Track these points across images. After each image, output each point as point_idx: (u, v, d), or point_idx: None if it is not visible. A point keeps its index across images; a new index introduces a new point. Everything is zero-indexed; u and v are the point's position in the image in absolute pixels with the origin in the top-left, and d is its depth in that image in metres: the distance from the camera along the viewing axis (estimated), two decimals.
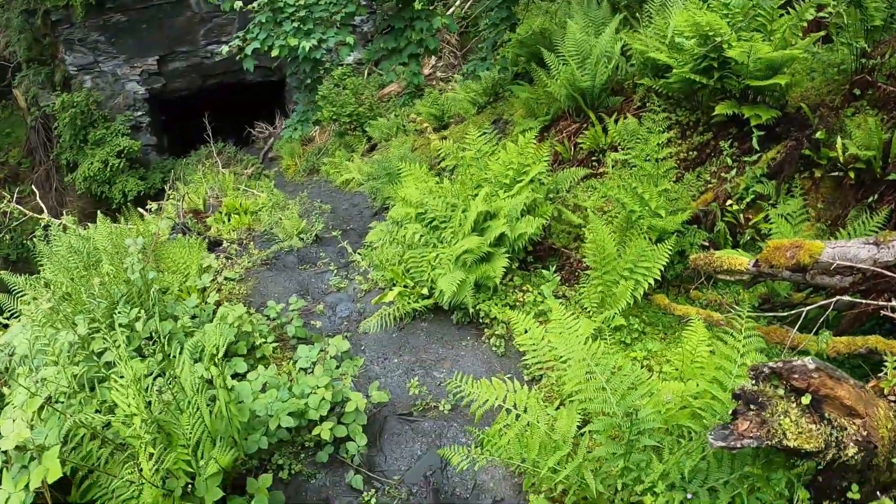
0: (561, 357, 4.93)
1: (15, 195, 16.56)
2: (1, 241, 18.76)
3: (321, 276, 10.04)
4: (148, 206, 10.56)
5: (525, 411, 4.64)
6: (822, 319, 5.69)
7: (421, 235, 7.51)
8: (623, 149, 9.01)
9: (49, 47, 21.09)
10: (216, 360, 5.25)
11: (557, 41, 10.22)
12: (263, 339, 7.02)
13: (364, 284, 8.75)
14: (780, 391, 3.73)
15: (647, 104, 9.67)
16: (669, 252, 6.57)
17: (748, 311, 4.71)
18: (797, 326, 5.53)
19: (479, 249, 6.96)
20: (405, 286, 7.64)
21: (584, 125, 10.08)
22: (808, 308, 5.55)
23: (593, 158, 9.65)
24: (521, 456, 4.52)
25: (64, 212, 13.19)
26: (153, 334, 6.74)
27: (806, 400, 3.67)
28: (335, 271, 9.75)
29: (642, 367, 6.13)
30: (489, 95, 13.88)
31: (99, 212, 9.99)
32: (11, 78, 21.58)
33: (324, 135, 19.20)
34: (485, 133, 8.59)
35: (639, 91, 10.11)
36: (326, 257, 10.63)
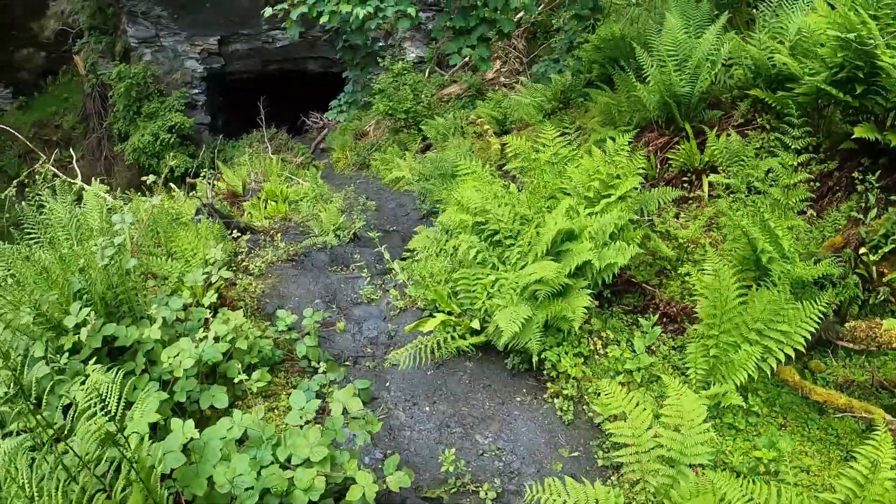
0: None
1: (52, 157, 14.79)
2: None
3: (352, 281, 8.04)
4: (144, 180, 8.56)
5: None
6: None
7: (478, 251, 5.40)
8: (724, 170, 6.96)
9: (112, 17, 19.43)
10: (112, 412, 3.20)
11: (652, 40, 8.11)
12: (250, 362, 4.99)
13: (400, 301, 6.72)
14: None
15: (756, 120, 7.58)
16: (822, 312, 4.44)
17: None
18: None
19: (556, 280, 4.84)
20: (450, 313, 5.56)
21: (676, 139, 7.98)
22: None
23: (684, 179, 7.53)
24: None
25: (98, 180, 11.37)
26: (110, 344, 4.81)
27: None
28: (368, 278, 7.75)
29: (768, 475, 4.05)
30: (558, 101, 11.81)
31: (95, 180, 8.10)
32: (73, 43, 19.90)
33: (378, 130, 17.28)
34: (564, 133, 6.53)
35: (741, 105, 7.97)
36: (362, 260, 8.65)
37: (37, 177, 14.43)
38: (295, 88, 21.34)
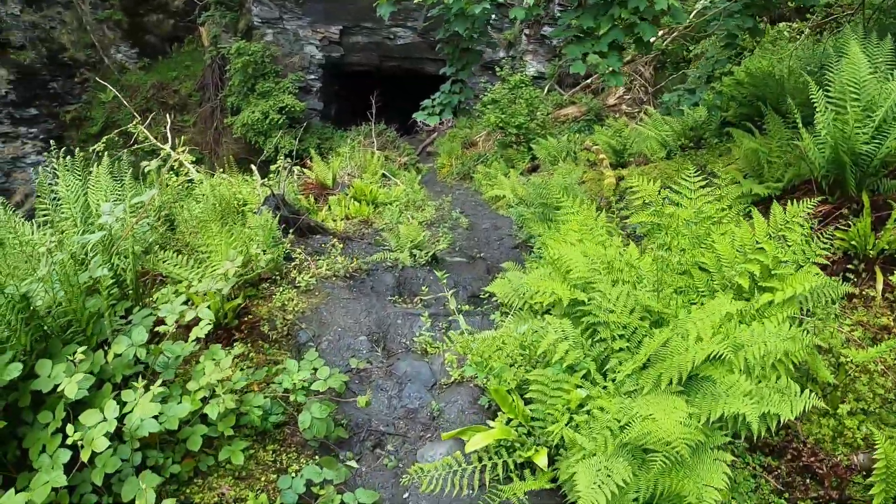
0: None
1: (148, 120, 13.56)
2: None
3: (413, 319, 6.21)
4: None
5: None
6: None
7: (569, 348, 3.33)
8: None
9: None
10: None
11: (828, 75, 5.89)
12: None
13: (454, 370, 4.79)
14: None
15: None
16: None
17: None
18: None
19: (684, 438, 2.70)
20: (510, 422, 3.55)
21: (841, 210, 5.77)
22: None
23: (849, 266, 5.29)
24: None
25: (181, 148, 9.88)
26: None
27: None
28: (430, 322, 5.85)
29: None
30: (688, 139, 9.66)
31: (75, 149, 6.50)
32: (198, 15, 18.74)
33: (487, 142, 15.46)
34: (710, 182, 4.50)
35: None
36: (431, 293, 6.81)
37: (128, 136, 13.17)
38: (411, 88, 19.72)
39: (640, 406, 2.75)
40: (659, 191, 4.33)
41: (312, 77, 18.63)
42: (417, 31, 17.66)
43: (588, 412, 3.07)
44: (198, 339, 3.99)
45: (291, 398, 4.16)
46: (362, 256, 7.73)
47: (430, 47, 17.88)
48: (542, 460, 3.17)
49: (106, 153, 6.21)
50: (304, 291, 6.40)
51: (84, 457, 2.93)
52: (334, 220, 9.50)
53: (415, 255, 7.75)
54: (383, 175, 13.10)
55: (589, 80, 16.38)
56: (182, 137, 18.61)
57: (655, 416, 2.59)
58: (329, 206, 10.35)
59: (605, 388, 3.16)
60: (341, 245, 7.61)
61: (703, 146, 9.38)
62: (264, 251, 6.74)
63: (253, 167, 10.73)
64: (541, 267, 4.26)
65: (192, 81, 19.51)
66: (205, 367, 3.73)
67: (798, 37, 12.00)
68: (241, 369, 4.61)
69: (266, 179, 9.50)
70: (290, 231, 7.74)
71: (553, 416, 3.23)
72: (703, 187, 4.52)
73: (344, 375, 4.68)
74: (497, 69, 15.28)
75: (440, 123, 18.45)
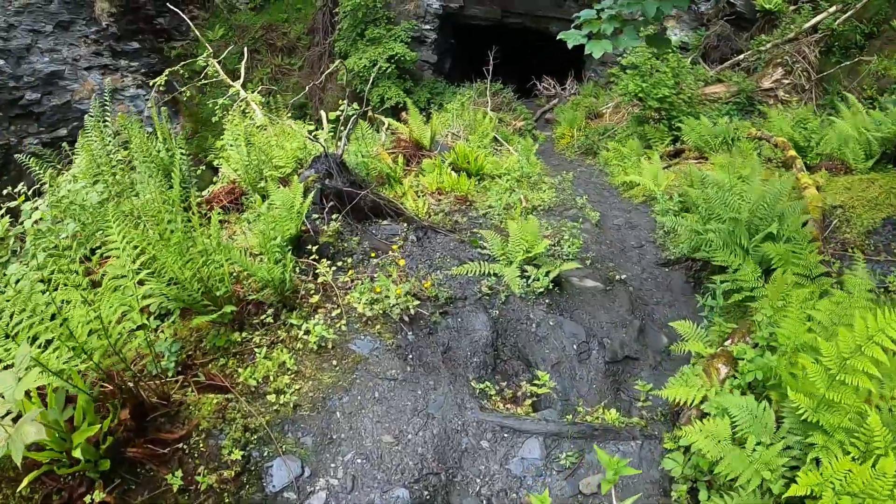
0: None
1: (216, 53, 10.52)
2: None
3: (509, 445, 2.83)
4: None
5: None
6: None
7: None
8: None
9: None
10: None
11: None
12: None
13: None
14: None
15: None
16: None
17: None
18: None
19: None
20: None
21: None
22: None
23: None
24: None
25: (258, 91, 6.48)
26: None
27: None
28: (545, 459, 2.32)
29: None
30: None
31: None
32: None
33: (616, 115, 11.58)
34: None
35: None
36: (549, 365, 3.33)
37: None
38: (532, 48, 15.91)
39: None
40: None
41: (427, 27, 14.98)
42: None
43: None
44: None
45: None
46: (443, 264, 4.28)
47: (556, 5, 13.95)
48: None
49: None
50: (313, 351, 3.01)
51: None
52: (418, 196, 6.07)
53: (527, 276, 4.20)
54: (494, 139, 9.50)
55: (741, 57, 12.18)
56: (290, 80, 15.80)
57: None
58: (417, 174, 6.91)
59: None
60: (403, 259, 4.15)
61: None
62: (260, 256, 3.38)
63: (322, 113, 7.36)
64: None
65: (301, 25, 16.32)
66: None
67: None
68: None
69: (319, 132, 6.04)
70: (340, 213, 4.37)
71: None
72: None
73: None
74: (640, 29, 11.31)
75: (562, 89, 14.53)
